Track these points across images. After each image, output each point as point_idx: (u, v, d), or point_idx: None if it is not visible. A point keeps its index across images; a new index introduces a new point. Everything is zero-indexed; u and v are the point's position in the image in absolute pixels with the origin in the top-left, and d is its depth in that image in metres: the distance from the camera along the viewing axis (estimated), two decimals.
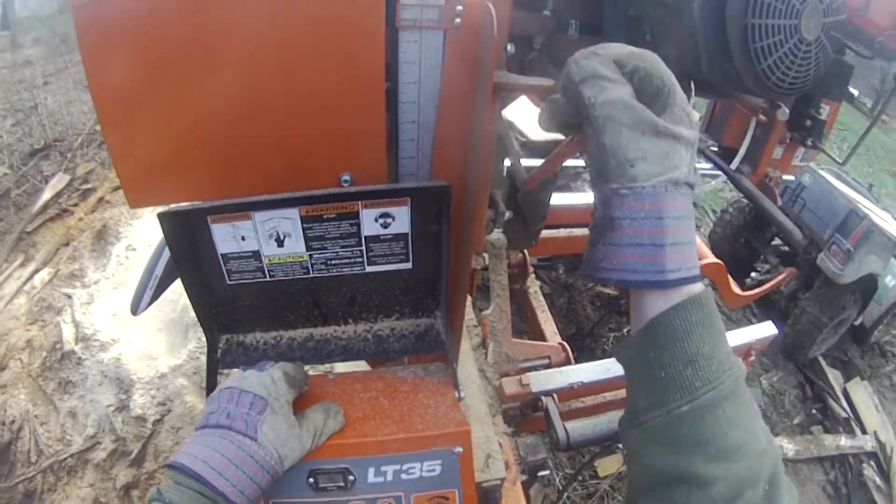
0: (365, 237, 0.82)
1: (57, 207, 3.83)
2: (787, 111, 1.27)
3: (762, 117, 1.48)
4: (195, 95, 0.71)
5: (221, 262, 0.83)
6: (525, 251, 2.30)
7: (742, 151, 1.63)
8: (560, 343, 1.97)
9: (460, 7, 0.72)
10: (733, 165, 1.68)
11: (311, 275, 0.85)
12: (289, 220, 0.79)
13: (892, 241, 3.52)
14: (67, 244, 3.56)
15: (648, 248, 0.58)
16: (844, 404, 3.82)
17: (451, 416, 0.84)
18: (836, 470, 3.49)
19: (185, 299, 2.85)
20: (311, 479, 0.82)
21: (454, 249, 0.88)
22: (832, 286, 3.56)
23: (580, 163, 2.90)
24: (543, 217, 1.71)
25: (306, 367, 0.90)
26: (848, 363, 4.22)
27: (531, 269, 2.40)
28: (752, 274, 3.94)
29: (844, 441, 3.56)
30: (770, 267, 4.09)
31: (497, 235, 1.73)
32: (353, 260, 0.85)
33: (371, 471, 0.82)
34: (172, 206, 0.78)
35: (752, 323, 4.02)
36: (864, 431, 3.71)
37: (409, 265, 0.86)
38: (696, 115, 0.61)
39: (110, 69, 0.69)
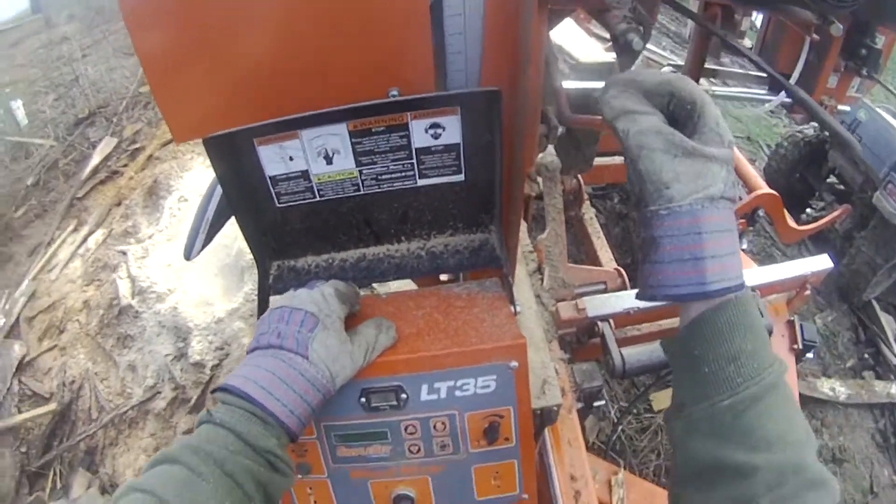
0: (416, 149, 0.80)
1: (106, 171, 3.92)
2: (841, 27, 1.21)
3: (815, 36, 1.37)
4: (238, 24, 0.71)
5: (270, 184, 0.82)
6: (580, 177, 2.26)
7: (796, 74, 1.58)
8: (616, 268, 1.95)
9: None
10: (781, 94, 1.67)
11: (362, 191, 0.84)
12: (337, 136, 0.77)
13: None
14: (119, 204, 3.65)
15: (689, 263, 0.61)
16: None
17: (506, 329, 0.83)
18: (885, 418, 3.43)
19: (239, 243, 2.97)
20: (364, 399, 0.81)
21: (507, 162, 0.87)
22: (888, 226, 3.44)
23: None
24: (597, 138, 1.67)
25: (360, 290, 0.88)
26: None
27: (586, 196, 2.37)
28: (808, 210, 3.81)
29: (895, 389, 3.44)
30: (825, 204, 3.97)
31: (550, 158, 1.70)
32: (404, 174, 0.83)
33: (424, 388, 0.81)
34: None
35: None
36: None
37: (461, 177, 0.84)
38: (729, 135, 0.64)
39: (150, 15, 0.69)
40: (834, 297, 3.90)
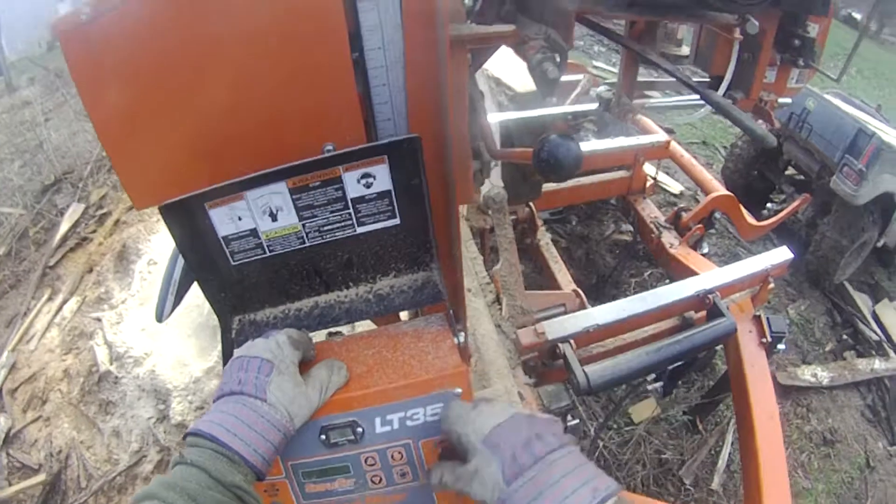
0: (351, 199, 0.85)
1: (76, 237, 3.92)
2: (756, 24, 1.27)
3: (738, 35, 1.46)
4: (183, 98, 0.79)
5: (223, 244, 0.87)
6: (532, 205, 2.31)
7: (728, 76, 1.62)
8: (574, 290, 1.98)
9: None
10: (720, 92, 1.67)
11: (307, 243, 0.89)
12: (278, 195, 0.83)
13: None
14: (91, 270, 3.66)
15: None
16: (875, 327, 3.78)
17: (448, 359, 0.88)
18: (872, 393, 3.47)
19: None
20: (323, 436, 0.86)
21: (440, 200, 0.92)
22: (849, 208, 3.52)
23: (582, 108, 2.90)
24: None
25: (316, 334, 0.95)
26: (875, 286, 4.17)
27: (540, 223, 2.41)
28: (768, 205, 3.88)
29: (878, 364, 3.53)
30: (786, 196, 4.05)
31: (497, 191, 1.75)
32: (343, 224, 0.88)
33: (378, 421, 0.86)
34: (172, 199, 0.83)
35: None
36: None
37: (396, 221, 0.89)
38: (477, 438, 0.78)
39: (101, 84, 0.78)
40: (805, 285, 3.96)
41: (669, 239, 2.77)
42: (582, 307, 1.90)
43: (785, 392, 3.21)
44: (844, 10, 10.95)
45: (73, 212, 4.09)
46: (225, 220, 0.85)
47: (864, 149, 3.29)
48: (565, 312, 1.89)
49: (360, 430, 0.86)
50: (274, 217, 0.85)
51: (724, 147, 5.50)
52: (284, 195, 0.83)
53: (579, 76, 3.26)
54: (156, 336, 3.02)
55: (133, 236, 3.49)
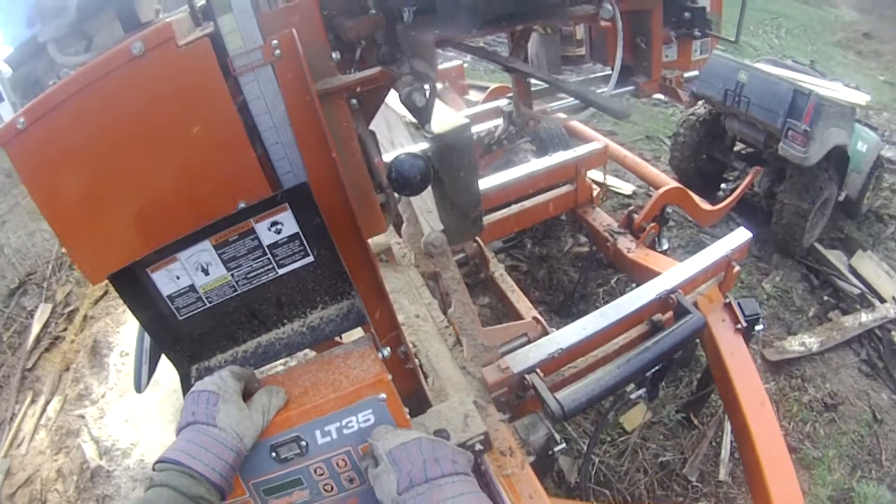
0: (266, 246, 0.97)
1: (49, 338, 3.87)
2: (611, 8, 1.29)
3: (607, 24, 1.43)
4: (115, 182, 0.94)
5: (169, 302, 0.99)
6: (478, 239, 2.28)
7: (617, 64, 1.58)
8: (534, 317, 1.95)
9: (276, 41, 0.90)
10: (611, 84, 1.64)
11: (239, 290, 1.01)
12: (206, 251, 0.95)
13: (848, 107, 3.46)
14: (67, 369, 3.62)
15: None
16: (854, 280, 3.76)
17: (372, 370, 0.99)
18: (865, 347, 3.44)
19: None
20: (274, 453, 0.96)
21: (349, 234, 1.05)
22: (803, 171, 3.52)
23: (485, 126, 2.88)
24: (477, 202, 1.70)
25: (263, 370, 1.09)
26: (846, 239, 4.15)
27: (491, 255, 2.38)
28: (723, 186, 3.87)
29: (865, 317, 3.51)
30: (738, 172, 4.04)
31: (434, 235, 1.72)
32: (265, 268, 1.00)
33: (318, 433, 0.96)
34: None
35: None
36: (882, 300, 3.65)
37: (310, 258, 1.00)
38: (382, 448, 0.94)
39: (45, 179, 0.93)
40: (776, 256, 3.94)
41: (625, 244, 2.75)
42: (544, 333, 1.87)
43: (776, 367, 3.18)
44: None
45: (42, 312, 4.05)
46: (166, 280, 0.96)
47: (805, 108, 3.29)
48: (529, 342, 1.85)
49: (304, 443, 0.96)
50: (206, 272, 0.97)
51: (669, 138, 5.48)
52: (210, 251, 0.95)
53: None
54: (139, 426, 2.99)
55: (102, 330, 3.48)
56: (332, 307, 1.08)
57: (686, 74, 1.85)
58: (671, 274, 2.09)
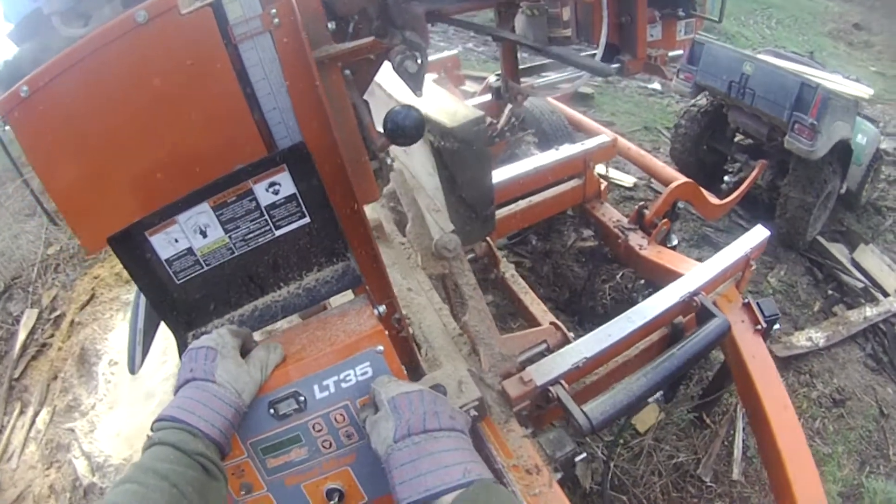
0: (264, 207, 0.97)
1: (35, 345, 3.71)
2: None
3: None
4: (116, 148, 0.95)
5: (167, 266, 0.98)
6: (488, 238, 2.15)
7: (602, 39, 1.61)
8: (552, 323, 1.83)
9: (274, 10, 0.91)
10: (597, 57, 1.67)
11: (237, 253, 1.00)
12: (203, 213, 0.94)
13: (852, 100, 3.40)
14: (56, 377, 3.45)
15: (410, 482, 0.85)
16: (857, 274, 3.70)
17: (367, 323, 0.99)
18: (871, 342, 3.38)
19: None
20: (272, 410, 0.96)
21: (344, 196, 1.04)
22: (808, 165, 3.45)
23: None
24: (491, 200, 1.62)
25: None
26: (847, 232, 4.09)
27: (499, 256, 2.25)
28: (726, 178, 3.78)
29: (870, 311, 3.46)
30: (740, 164, 3.95)
31: (448, 237, 1.59)
32: (263, 229, 0.99)
33: (316, 388, 0.96)
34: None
35: (741, 226, 3.90)
36: (885, 294, 3.59)
37: (307, 220, 1.00)
38: (386, 395, 0.93)
39: (45, 146, 0.94)
40: (779, 250, 3.86)
41: (637, 240, 2.63)
42: (565, 340, 1.75)
43: (785, 363, 3.10)
44: None
45: (28, 318, 3.89)
46: (164, 244, 0.96)
47: (812, 102, 3.21)
48: (548, 349, 1.74)
49: (302, 398, 0.96)
50: (204, 234, 0.97)
51: (667, 129, 5.40)
52: (209, 213, 0.95)
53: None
54: (131, 440, 2.84)
55: (90, 337, 3.35)
56: (327, 269, 1.08)
57: (671, 53, 1.86)
58: (693, 275, 1.98)
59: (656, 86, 6.54)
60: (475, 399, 1.30)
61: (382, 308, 1.06)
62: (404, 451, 0.84)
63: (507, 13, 1.74)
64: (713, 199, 3.03)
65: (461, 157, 1.42)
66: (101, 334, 3.28)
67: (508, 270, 2.25)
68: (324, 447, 0.99)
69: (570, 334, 1.80)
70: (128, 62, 0.90)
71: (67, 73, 0.89)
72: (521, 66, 2.11)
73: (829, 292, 3.67)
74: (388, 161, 1.26)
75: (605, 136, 2.82)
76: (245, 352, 0.97)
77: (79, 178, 0.97)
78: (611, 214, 2.79)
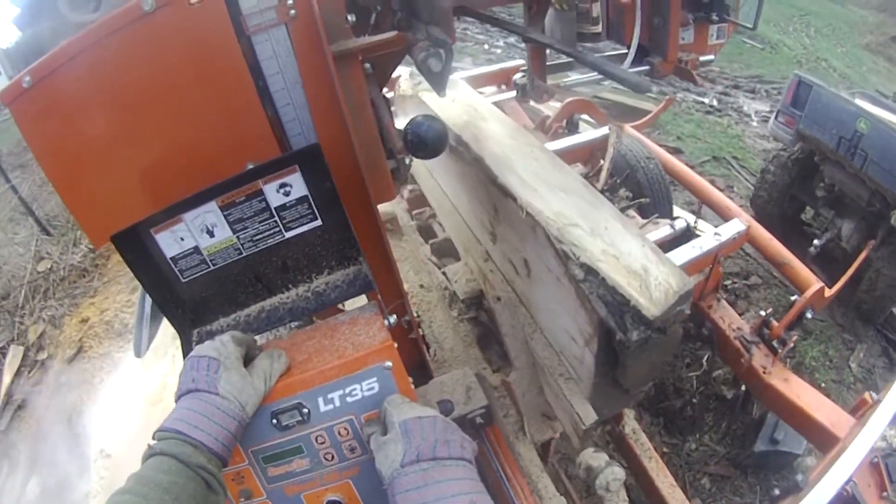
0: (274, 208, 0.91)
1: (21, 392, 3.27)
2: None
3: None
4: (123, 142, 0.90)
5: (172, 264, 0.93)
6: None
7: (634, 42, 1.56)
8: None
9: (290, 1, 0.86)
10: (628, 59, 1.60)
11: (244, 253, 0.95)
12: (211, 213, 0.89)
13: None
14: (45, 440, 3.01)
15: None
16: None
17: (377, 337, 0.92)
18: None
19: None
20: (275, 420, 0.90)
21: (360, 199, 1.00)
22: None
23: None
24: (653, 378, 1.32)
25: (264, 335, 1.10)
26: None
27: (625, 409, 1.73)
28: (815, 242, 3.16)
29: None
30: (826, 222, 3.41)
31: (613, 474, 1.26)
32: (272, 231, 0.93)
33: (321, 401, 0.90)
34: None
35: None
36: None
37: (318, 222, 0.94)
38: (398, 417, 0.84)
39: (49, 139, 0.89)
40: (857, 324, 3.37)
41: (761, 360, 2.08)
42: None
43: None
44: None
45: (14, 357, 3.49)
46: (170, 242, 0.91)
47: None
48: None
49: (305, 410, 0.90)
50: (211, 233, 0.91)
51: (735, 158, 4.72)
52: (216, 213, 0.89)
53: (604, 129, 2.56)
54: None
55: (78, 407, 2.96)
56: (338, 272, 1.01)
57: (702, 58, 1.74)
58: (847, 460, 1.53)
59: (713, 101, 5.74)
60: (482, 406, 1.23)
61: (393, 318, 0.99)
62: (411, 477, 0.78)
63: (538, 10, 1.60)
64: (827, 292, 2.40)
65: (647, 346, 1.07)
66: (89, 404, 2.95)
67: (630, 425, 1.76)
68: (326, 459, 0.94)
69: None
70: (134, 52, 0.84)
71: (71, 63, 0.83)
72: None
73: None
74: (407, 161, 1.18)
75: (738, 222, 2.23)
76: (248, 359, 0.91)
77: (84, 171, 0.92)
78: (730, 318, 2.25)
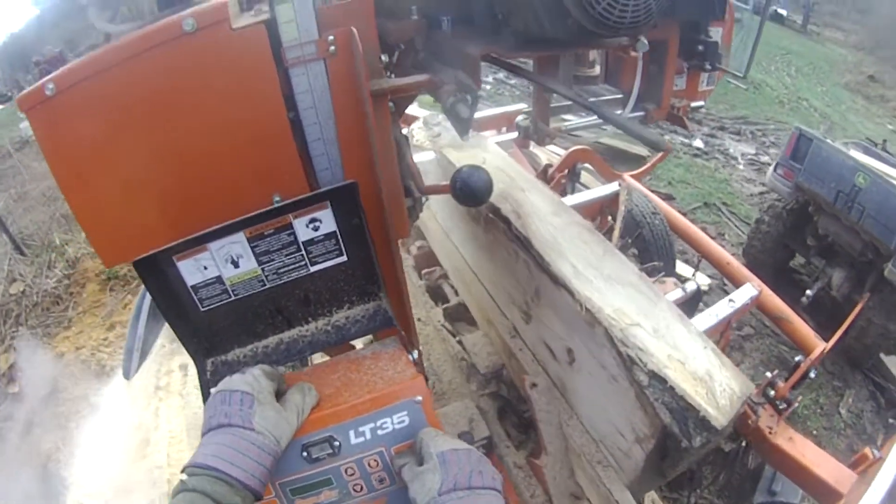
0: (302, 242, 0.92)
1: None
2: (646, 43, 1.23)
3: (635, 54, 1.44)
4: (147, 163, 0.88)
5: (192, 292, 0.92)
6: None
7: (635, 91, 1.59)
8: None
9: (332, 37, 0.86)
10: (628, 108, 1.62)
11: (268, 285, 0.95)
12: (238, 244, 0.89)
13: None
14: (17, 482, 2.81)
15: None
16: None
17: (406, 372, 0.94)
18: None
19: None
20: (305, 453, 0.90)
21: (380, 236, 1.00)
22: None
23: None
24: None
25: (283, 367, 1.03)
26: None
27: None
28: (808, 292, 3.20)
29: None
30: (817, 271, 3.48)
31: None
32: (297, 264, 0.94)
33: (352, 433, 0.90)
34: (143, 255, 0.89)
35: None
36: None
37: (344, 258, 0.95)
38: (435, 449, 0.85)
39: (67, 152, 0.86)
40: (845, 369, 3.42)
41: (767, 421, 2.04)
42: None
43: None
44: (772, 8, 10.69)
45: None
46: (192, 270, 0.90)
47: None
48: None
49: (336, 443, 0.90)
50: (236, 264, 0.91)
51: (725, 204, 4.73)
52: (243, 244, 0.89)
53: (613, 186, 2.62)
54: None
55: (54, 455, 2.68)
56: (358, 307, 1.01)
57: (692, 104, 1.77)
58: None
59: (699, 143, 5.81)
60: (484, 437, 1.27)
61: (416, 353, 1.00)
62: None
63: (549, 63, 1.59)
64: (822, 344, 2.41)
65: (705, 446, 1.04)
66: (66, 454, 2.65)
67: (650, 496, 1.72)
68: (355, 490, 0.93)
69: None
70: (170, 72, 0.83)
71: (101, 75, 0.81)
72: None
73: (891, 421, 3.15)
74: (423, 200, 1.21)
75: (751, 287, 2.28)
76: (277, 393, 0.91)
77: (101, 187, 0.89)
78: None
